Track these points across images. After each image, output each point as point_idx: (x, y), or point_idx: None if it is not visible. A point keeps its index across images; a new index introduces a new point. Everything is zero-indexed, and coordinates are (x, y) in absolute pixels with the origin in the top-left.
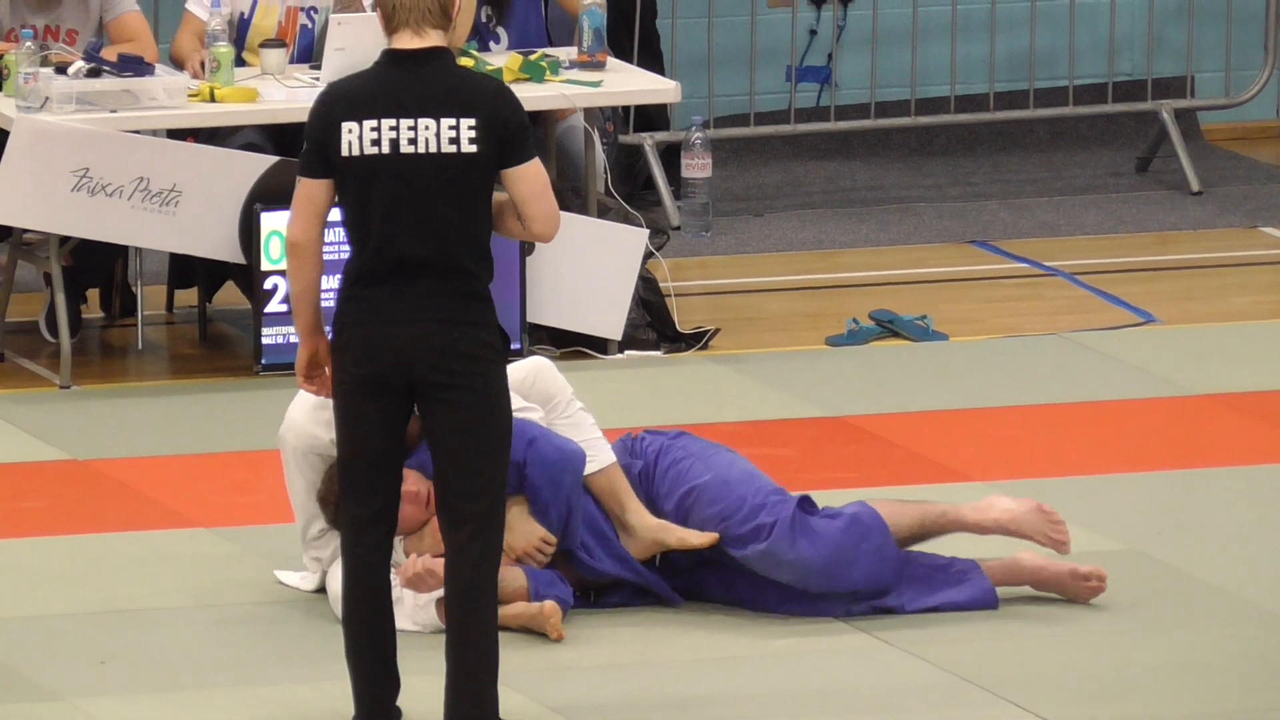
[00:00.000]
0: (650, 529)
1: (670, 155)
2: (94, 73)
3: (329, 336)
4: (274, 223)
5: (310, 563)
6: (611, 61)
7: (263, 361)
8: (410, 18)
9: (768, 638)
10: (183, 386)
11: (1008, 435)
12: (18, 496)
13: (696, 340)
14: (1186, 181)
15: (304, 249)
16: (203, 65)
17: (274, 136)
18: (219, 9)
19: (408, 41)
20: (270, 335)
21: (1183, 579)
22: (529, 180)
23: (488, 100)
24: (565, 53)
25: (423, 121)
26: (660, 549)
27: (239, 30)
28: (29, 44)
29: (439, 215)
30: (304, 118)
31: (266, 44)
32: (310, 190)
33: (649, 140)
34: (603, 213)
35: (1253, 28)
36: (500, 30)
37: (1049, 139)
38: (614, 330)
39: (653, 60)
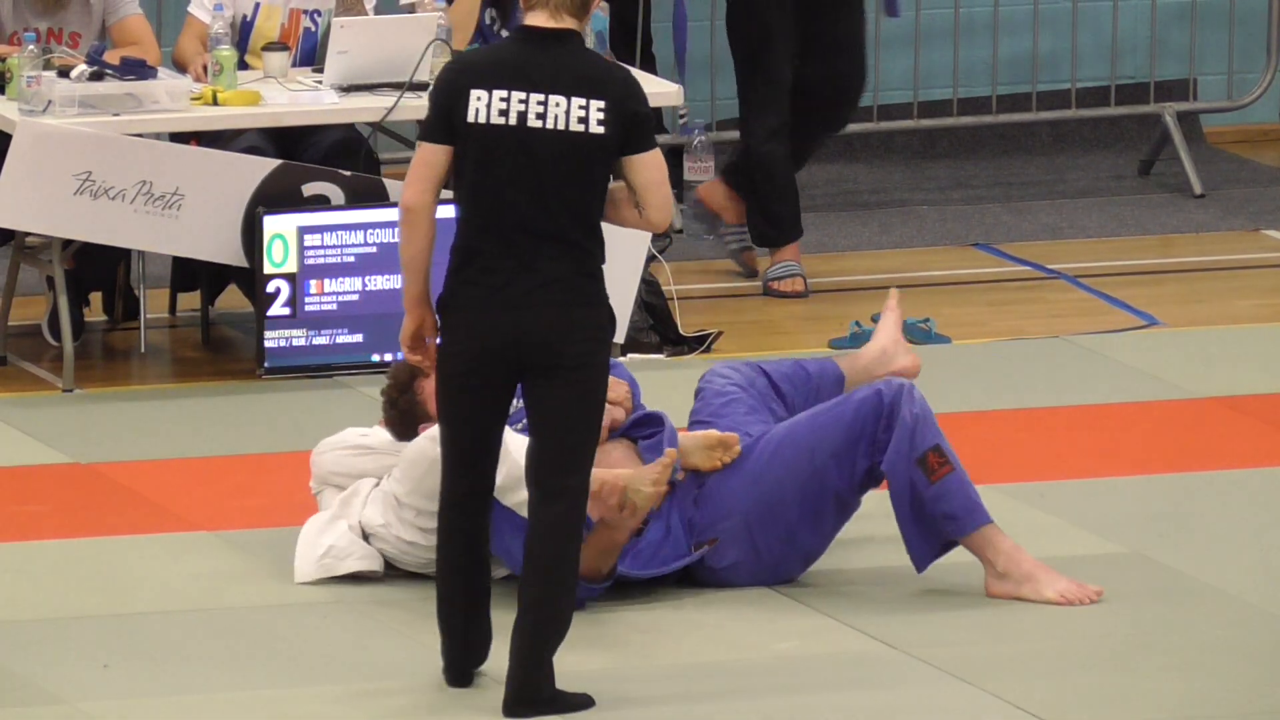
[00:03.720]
0: (693, 436)
1: (673, 158)
2: (97, 76)
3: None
4: (276, 226)
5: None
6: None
7: (265, 365)
8: (550, 1)
9: (771, 641)
10: (185, 390)
11: (1010, 438)
12: (20, 500)
13: (699, 343)
14: (1189, 184)
15: (418, 214)
16: (205, 69)
17: (276, 140)
18: (221, 12)
19: (543, 21)
20: (273, 339)
21: (1185, 582)
22: (651, 168)
23: (617, 85)
24: None
25: (553, 98)
26: (711, 444)
27: (241, 33)
28: (32, 47)
29: (560, 192)
30: (306, 121)
31: (269, 47)
32: (429, 155)
33: None
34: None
35: (1255, 30)
36: (504, 33)
37: (1051, 142)
38: (617, 333)
39: (648, 63)
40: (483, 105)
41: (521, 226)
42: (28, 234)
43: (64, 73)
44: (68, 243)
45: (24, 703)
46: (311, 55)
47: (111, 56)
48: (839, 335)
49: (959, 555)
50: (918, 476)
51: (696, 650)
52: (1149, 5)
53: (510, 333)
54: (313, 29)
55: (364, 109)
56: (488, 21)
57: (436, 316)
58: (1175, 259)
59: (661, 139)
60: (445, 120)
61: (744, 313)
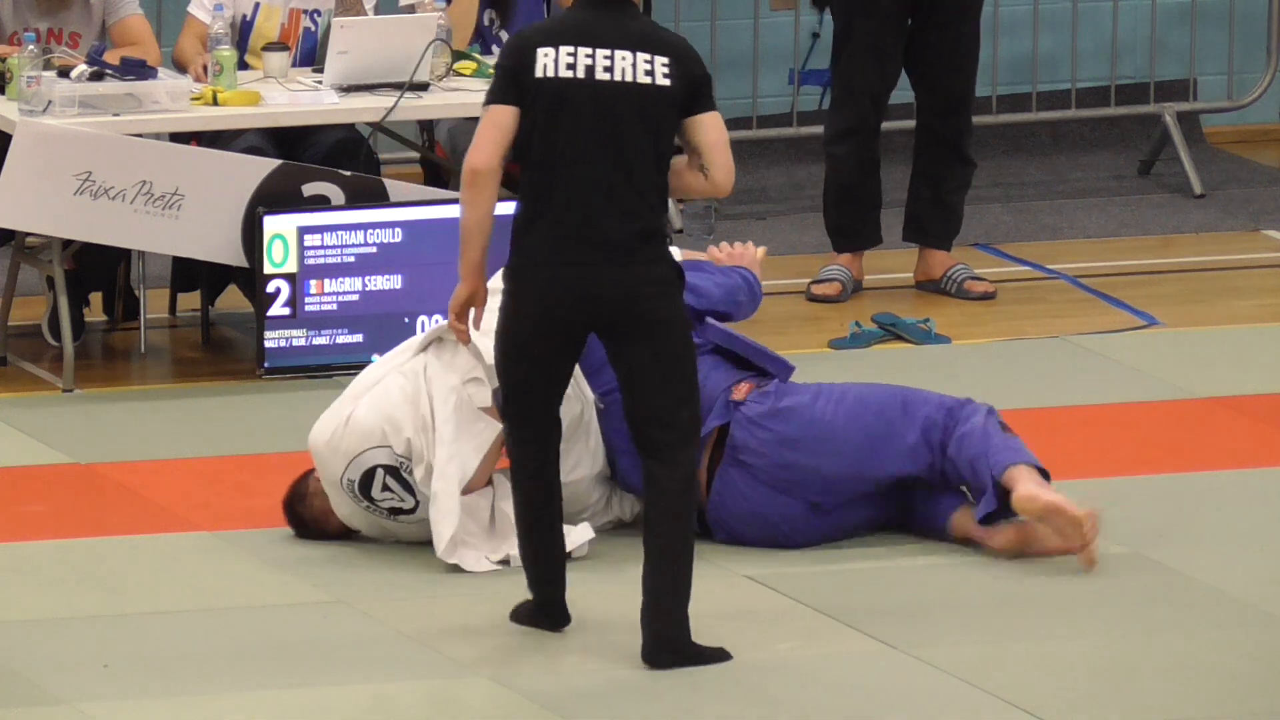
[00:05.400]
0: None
1: None
2: (97, 76)
3: (501, 273)
4: (276, 226)
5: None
6: None
7: (265, 365)
8: None
9: (771, 641)
10: (185, 390)
11: None
12: (20, 500)
13: None
14: (1189, 184)
15: (486, 177)
16: (205, 69)
17: (276, 140)
18: (221, 12)
19: None
20: (273, 339)
21: (1185, 582)
22: (715, 128)
23: (679, 46)
24: None
25: (619, 53)
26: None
27: (241, 33)
28: (32, 47)
29: (629, 145)
30: (306, 121)
31: (269, 47)
32: (498, 116)
33: None
34: None
35: (1255, 30)
36: (504, 33)
37: (1051, 142)
38: None
39: None
40: (550, 61)
41: (593, 181)
42: (28, 234)
43: (64, 73)
44: (68, 243)
45: (24, 703)
46: (311, 55)
47: (111, 56)
48: (839, 335)
49: (958, 555)
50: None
51: None
52: (1149, 5)
53: (582, 293)
54: (312, 29)
55: (364, 109)
56: (486, 22)
57: (503, 284)
58: (1175, 259)
59: None
60: (511, 81)
61: None
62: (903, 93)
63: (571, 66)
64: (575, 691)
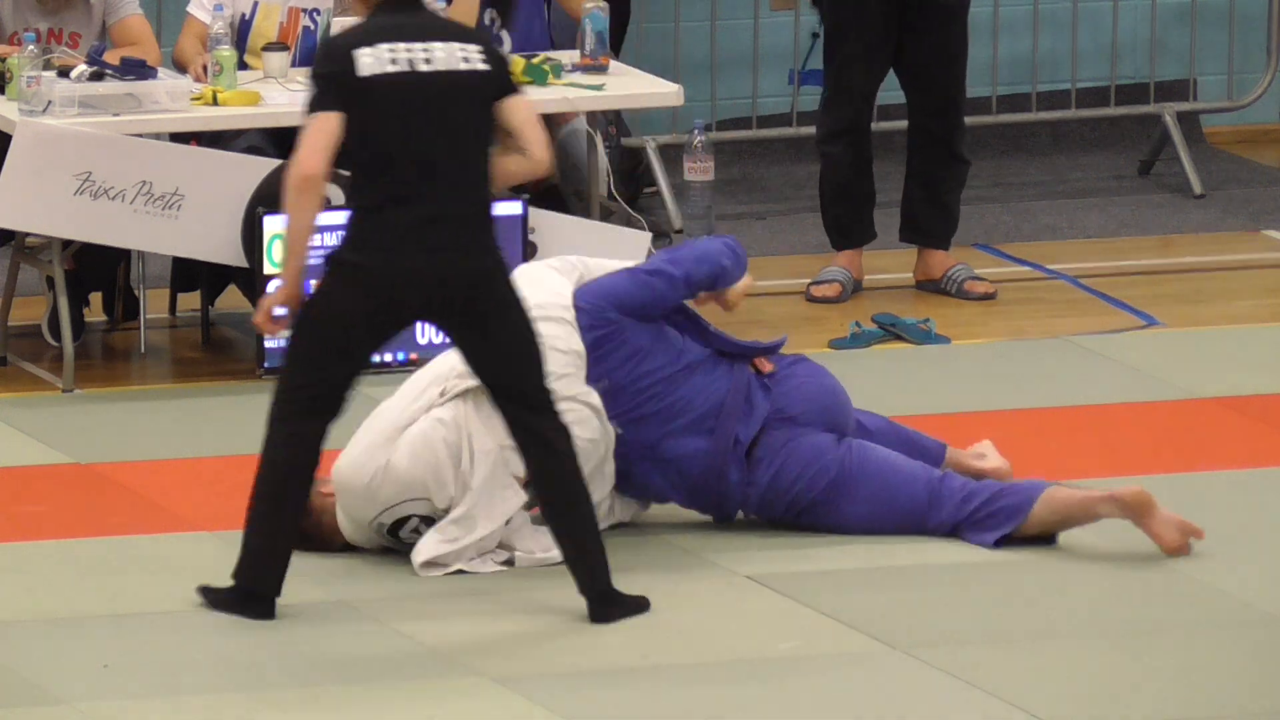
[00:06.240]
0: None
1: (673, 158)
2: (96, 76)
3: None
4: (276, 226)
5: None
6: (614, 65)
7: (265, 365)
8: None
9: (771, 641)
10: (185, 390)
11: (1010, 438)
12: (20, 500)
13: None
14: (1189, 185)
15: (315, 183)
16: (205, 69)
17: (276, 140)
18: (221, 12)
19: None
20: (273, 338)
21: (1184, 582)
22: (525, 107)
23: (479, 36)
24: (567, 56)
25: (434, 44)
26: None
27: (240, 33)
28: (32, 47)
29: (462, 131)
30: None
31: (269, 47)
32: (324, 123)
33: (651, 143)
34: (605, 216)
35: (1255, 30)
36: (504, 33)
37: (1051, 142)
38: None
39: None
40: (371, 59)
41: (431, 171)
42: (28, 234)
43: (64, 73)
44: (68, 243)
45: (24, 703)
46: (311, 55)
47: (111, 56)
48: (839, 335)
49: (958, 555)
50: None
51: (696, 650)
52: (1149, 5)
53: (427, 277)
54: (312, 28)
55: None
56: (487, 22)
57: (330, 273)
58: (1175, 259)
59: (661, 139)
60: (332, 87)
61: (743, 312)
62: (898, 93)
63: (394, 62)
64: (575, 691)
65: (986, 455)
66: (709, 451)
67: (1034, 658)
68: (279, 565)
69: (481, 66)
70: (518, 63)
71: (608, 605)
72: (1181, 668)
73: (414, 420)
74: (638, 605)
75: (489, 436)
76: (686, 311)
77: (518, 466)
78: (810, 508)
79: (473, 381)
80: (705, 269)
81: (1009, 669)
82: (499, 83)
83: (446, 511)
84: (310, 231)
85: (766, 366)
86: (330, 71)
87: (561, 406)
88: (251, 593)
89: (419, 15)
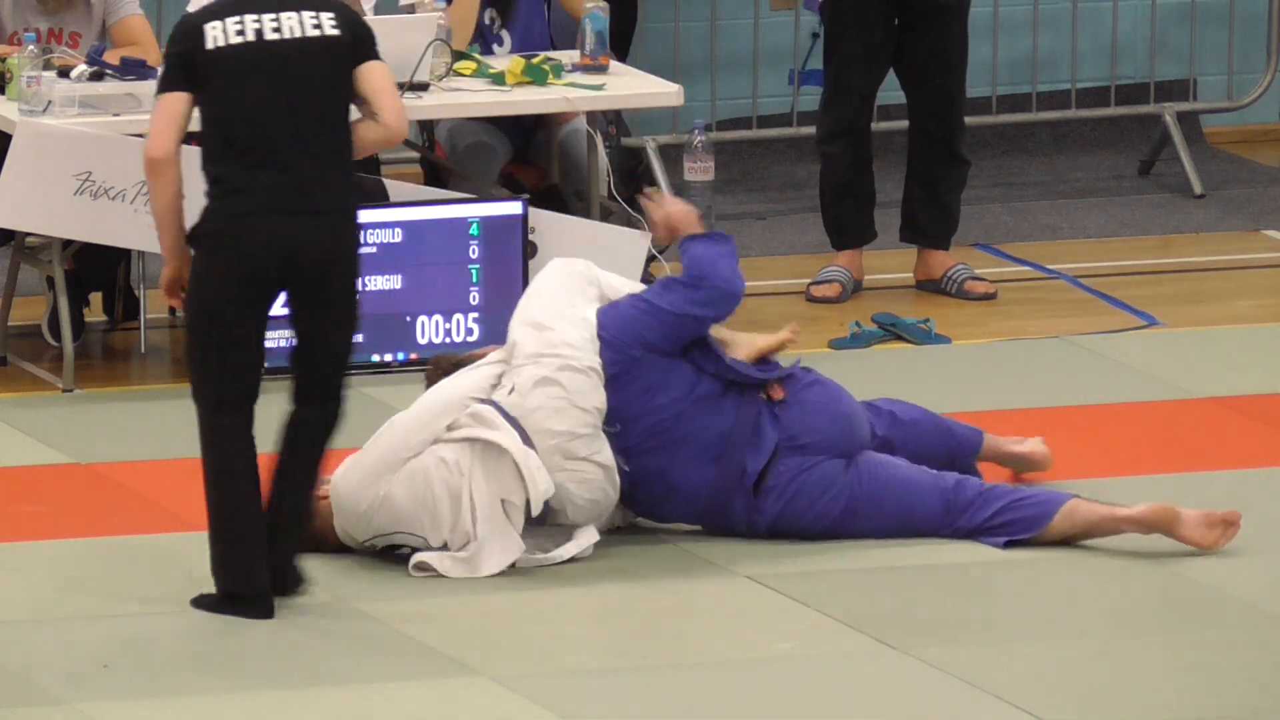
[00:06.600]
0: (747, 336)
1: (673, 158)
2: (97, 76)
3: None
4: None
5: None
6: (614, 65)
7: (265, 365)
8: None
9: (771, 641)
10: (185, 390)
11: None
12: (20, 500)
13: None
14: (1189, 184)
15: (165, 164)
16: None
17: None
18: None
19: None
20: (273, 339)
21: (1184, 582)
22: (381, 73)
23: (334, 4)
24: (568, 56)
25: (284, 14)
26: (757, 353)
27: None
28: (32, 47)
29: (315, 97)
30: None
31: None
32: (170, 104)
33: (651, 143)
34: (605, 216)
35: (1255, 30)
36: (504, 33)
37: (1051, 142)
38: None
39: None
40: (219, 32)
41: (286, 138)
42: (28, 234)
43: (64, 73)
44: (68, 243)
45: (24, 703)
46: None
47: (111, 56)
48: (839, 335)
49: (959, 555)
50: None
51: (696, 650)
52: (1149, 5)
53: (284, 244)
54: None
55: None
56: (487, 21)
57: (195, 250)
58: (1175, 259)
59: (661, 139)
60: (182, 66)
61: (743, 312)
62: (898, 93)
63: (241, 33)
64: (575, 691)
65: (1025, 441)
66: (716, 482)
67: (1034, 658)
68: (251, 562)
69: (333, 32)
70: (518, 63)
71: (299, 580)
72: (1181, 668)
73: (419, 452)
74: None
75: (489, 488)
76: (702, 340)
77: (518, 520)
78: (823, 534)
79: (483, 431)
80: (733, 305)
81: (1009, 669)
82: (354, 48)
83: (444, 546)
84: (173, 209)
85: (778, 394)
86: (179, 50)
87: (571, 467)
88: (236, 595)
89: None
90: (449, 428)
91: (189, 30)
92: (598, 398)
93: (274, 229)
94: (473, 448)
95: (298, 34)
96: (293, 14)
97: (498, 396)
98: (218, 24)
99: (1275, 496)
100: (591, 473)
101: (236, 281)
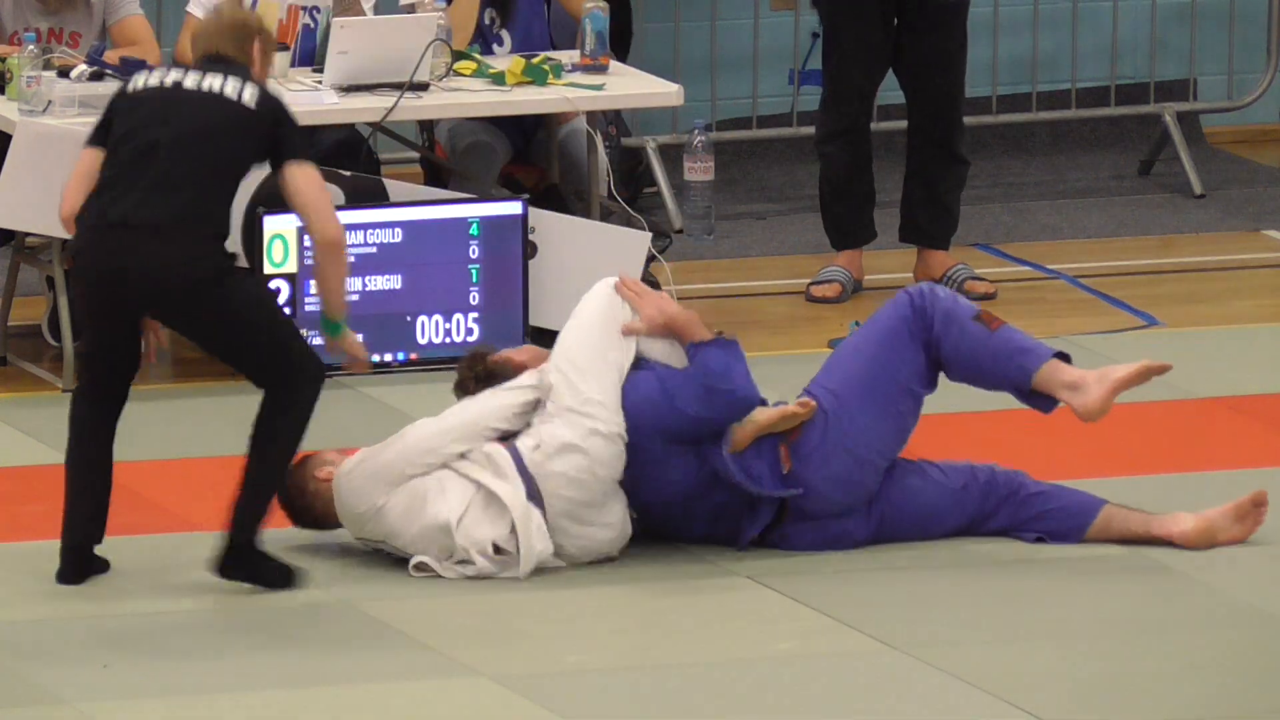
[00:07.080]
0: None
1: (673, 158)
2: (97, 76)
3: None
4: (276, 226)
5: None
6: (614, 65)
7: None
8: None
9: (772, 640)
10: (186, 390)
11: (1010, 438)
12: (20, 500)
13: None
14: (1189, 184)
15: (69, 224)
16: None
17: None
18: None
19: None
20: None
21: (1184, 582)
22: (305, 177)
23: (266, 87)
24: (567, 56)
25: (210, 74)
26: (759, 430)
27: None
28: (32, 47)
29: (189, 141)
30: (306, 121)
31: None
32: (83, 163)
33: (651, 143)
34: (605, 216)
35: (1255, 30)
36: (504, 33)
37: (1051, 142)
38: None
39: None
40: (142, 81)
41: (137, 164)
42: (28, 234)
43: (64, 73)
44: (67, 242)
45: (24, 703)
46: (311, 54)
47: (111, 56)
48: (839, 335)
49: (959, 555)
50: (978, 329)
51: (696, 650)
52: (1149, 5)
53: (109, 263)
54: (311, 26)
55: (364, 109)
56: (487, 22)
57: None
58: (1175, 259)
59: (661, 139)
60: (105, 115)
61: (743, 312)
62: (898, 93)
63: (161, 80)
64: (575, 691)
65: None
66: (716, 536)
67: (1034, 658)
68: (72, 521)
69: (249, 105)
70: (518, 63)
71: (237, 559)
72: (1181, 668)
73: (425, 473)
74: (272, 577)
75: (485, 529)
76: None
77: (509, 560)
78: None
79: (491, 480)
80: (749, 411)
81: (1009, 669)
82: (269, 128)
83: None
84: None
85: (787, 465)
86: (110, 105)
87: (576, 531)
88: (67, 546)
89: (230, 66)
90: (462, 455)
91: (123, 90)
92: (619, 466)
93: (106, 250)
94: (479, 491)
95: (215, 90)
96: (220, 77)
97: (521, 446)
98: (145, 74)
99: (1275, 496)
100: (599, 535)
101: (88, 293)
